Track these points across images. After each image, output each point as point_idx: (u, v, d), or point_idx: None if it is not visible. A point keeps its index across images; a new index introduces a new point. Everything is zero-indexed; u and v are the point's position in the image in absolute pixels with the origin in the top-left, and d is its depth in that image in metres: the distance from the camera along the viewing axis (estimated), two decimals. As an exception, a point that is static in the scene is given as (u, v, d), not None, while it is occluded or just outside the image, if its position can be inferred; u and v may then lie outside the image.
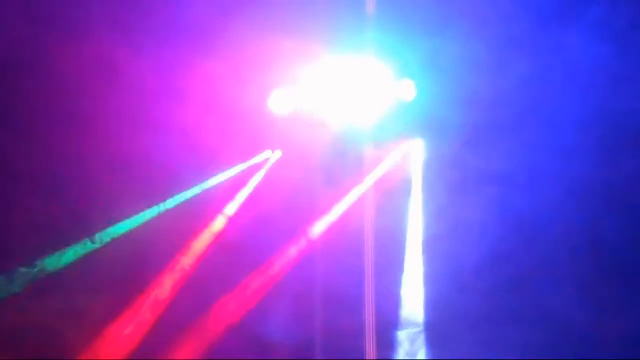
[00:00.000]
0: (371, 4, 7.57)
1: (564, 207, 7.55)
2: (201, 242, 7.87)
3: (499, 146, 7.67)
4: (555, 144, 7.55)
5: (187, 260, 7.79)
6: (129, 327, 7.49)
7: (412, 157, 8.57)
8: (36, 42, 6.80)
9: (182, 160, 7.35)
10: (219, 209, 8.13)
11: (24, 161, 7.03)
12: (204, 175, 7.88)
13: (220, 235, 7.96)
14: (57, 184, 7.16)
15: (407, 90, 7.94)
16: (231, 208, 8.15)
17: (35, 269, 7.10)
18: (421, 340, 8.04)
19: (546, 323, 7.42)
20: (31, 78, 6.95)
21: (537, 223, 7.70)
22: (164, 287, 7.70)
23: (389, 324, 8.04)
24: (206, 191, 7.96)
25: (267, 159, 8.36)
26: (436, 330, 7.99)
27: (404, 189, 8.46)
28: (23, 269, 7.03)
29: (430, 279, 8.08)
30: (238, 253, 7.88)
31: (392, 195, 8.29)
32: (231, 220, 8.07)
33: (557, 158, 7.55)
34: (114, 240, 7.49)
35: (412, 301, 8.14)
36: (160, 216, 7.66)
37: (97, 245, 7.37)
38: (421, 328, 8.05)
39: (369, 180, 8.26)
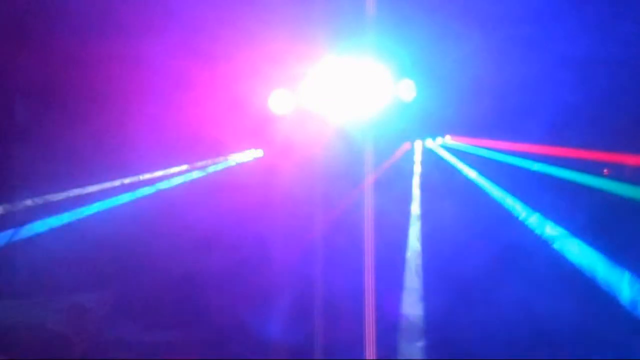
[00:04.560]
0: (371, 5, 7.58)
1: (564, 207, 7.59)
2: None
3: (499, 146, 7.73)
4: (556, 144, 7.61)
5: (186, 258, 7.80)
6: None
7: (411, 156, 8.61)
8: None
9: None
10: (217, 209, 8.14)
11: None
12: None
13: (219, 234, 7.96)
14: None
15: (407, 90, 7.96)
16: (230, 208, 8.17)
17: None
18: (421, 339, 8.04)
19: (549, 321, 7.44)
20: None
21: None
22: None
23: (389, 324, 8.04)
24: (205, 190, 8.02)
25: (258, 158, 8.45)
26: (436, 330, 7.99)
27: (404, 188, 8.49)
28: None
29: (430, 278, 8.09)
30: (237, 252, 7.89)
31: (391, 194, 8.30)
32: (230, 219, 8.07)
33: (559, 158, 7.61)
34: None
35: (412, 300, 8.14)
36: (160, 209, 7.71)
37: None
38: (421, 328, 8.05)
39: (369, 180, 8.27)
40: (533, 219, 7.94)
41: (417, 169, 8.58)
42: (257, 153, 8.61)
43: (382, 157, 8.44)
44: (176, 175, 8.35)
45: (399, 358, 8.00)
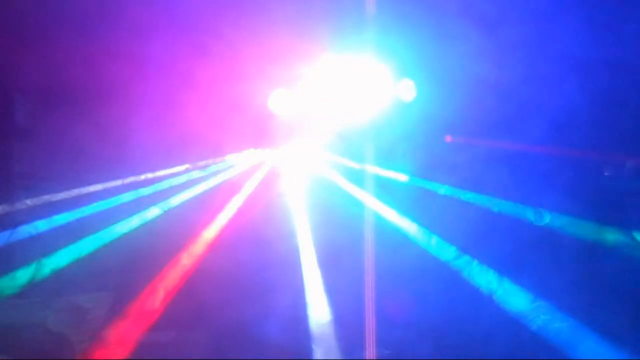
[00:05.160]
0: (371, 5, 7.59)
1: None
2: (201, 241, 7.88)
3: (498, 146, 7.72)
4: (557, 143, 7.61)
5: (186, 259, 7.79)
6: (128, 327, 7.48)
7: (409, 156, 8.61)
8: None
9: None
10: (219, 210, 8.15)
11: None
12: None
13: (220, 234, 7.97)
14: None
15: (407, 90, 7.96)
16: (231, 208, 8.18)
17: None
18: (421, 339, 8.01)
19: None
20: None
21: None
22: (162, 287, 7.70)
23: (389, 324, 8.02)
24: (206, 191, 8.01)
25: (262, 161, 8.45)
26: (436, 330, 7.97)
27: (403, 188, 8.49)
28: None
29: (430, 278, 8.07)
30: (237, 252, 7.89)
31: (391, 194, 8.31)
32: (231, 219, 8.09)
33: (559, 158, 7.61)
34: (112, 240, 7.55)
35: (411, 300, 8.12)
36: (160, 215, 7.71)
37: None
38: (420, 328, 8.02)
39: (369, 180, 8.29)
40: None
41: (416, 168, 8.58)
42: (257, 153, 8.62)
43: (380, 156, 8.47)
44: (177, 175, 8.36)
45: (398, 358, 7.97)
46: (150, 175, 8.14)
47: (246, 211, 8.14)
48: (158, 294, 7.65)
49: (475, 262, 7.53)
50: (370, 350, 7.69)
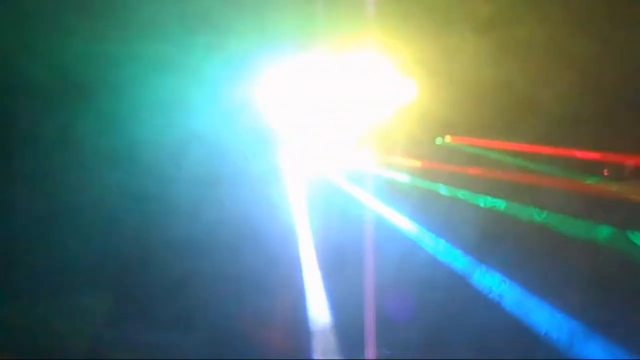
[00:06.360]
0: (372, 4, 7.58)
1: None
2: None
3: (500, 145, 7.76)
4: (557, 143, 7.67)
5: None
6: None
7: (411, 156, 8.63)
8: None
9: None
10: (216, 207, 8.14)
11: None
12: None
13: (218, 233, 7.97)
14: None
15: (407, 90, 7.96)
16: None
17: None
18: (420, 340, 8.05)
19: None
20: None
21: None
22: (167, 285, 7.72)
23: (388, 324, 8.04)
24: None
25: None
26: (435, 330, 8.00)
27: (403, 188, 8.51)
28: None
29: (429, 278, 8.11)
30: (238, 252, 7.89)
31: (392, 194, 8.34)
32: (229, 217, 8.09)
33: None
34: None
35: (411, 301, 8.15)
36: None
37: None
38: (420, 328, 8.06)
39: (370, 179, 8.31)
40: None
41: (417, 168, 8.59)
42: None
43: (381, 157, 8.48)
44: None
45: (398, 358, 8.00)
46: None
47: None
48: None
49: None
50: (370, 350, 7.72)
